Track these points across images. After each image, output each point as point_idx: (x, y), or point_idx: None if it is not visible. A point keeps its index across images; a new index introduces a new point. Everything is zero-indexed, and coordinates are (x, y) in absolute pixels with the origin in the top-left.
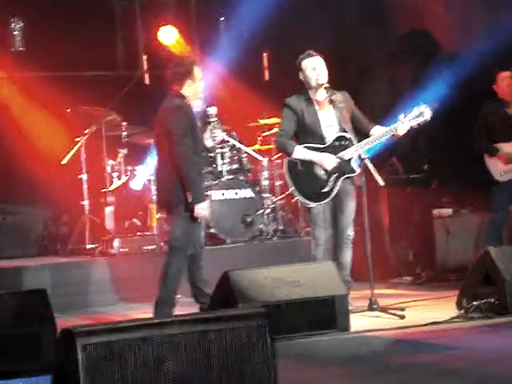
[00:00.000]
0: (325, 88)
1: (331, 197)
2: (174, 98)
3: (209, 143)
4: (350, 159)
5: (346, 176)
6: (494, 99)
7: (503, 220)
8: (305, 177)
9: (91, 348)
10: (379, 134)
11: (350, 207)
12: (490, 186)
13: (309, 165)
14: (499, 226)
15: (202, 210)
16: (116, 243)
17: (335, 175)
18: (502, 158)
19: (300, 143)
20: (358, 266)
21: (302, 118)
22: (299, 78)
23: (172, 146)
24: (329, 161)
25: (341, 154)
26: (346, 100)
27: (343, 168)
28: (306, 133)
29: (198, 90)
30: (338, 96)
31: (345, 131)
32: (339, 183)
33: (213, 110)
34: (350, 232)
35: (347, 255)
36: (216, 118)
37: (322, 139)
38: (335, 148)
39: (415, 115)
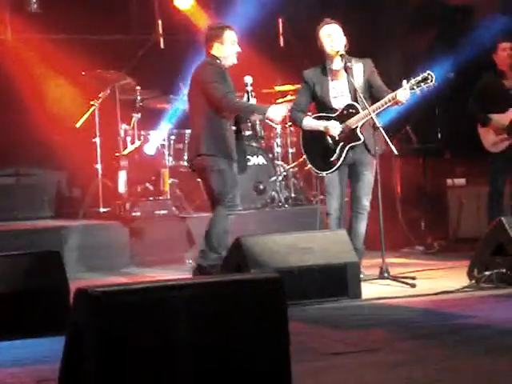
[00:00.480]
0: (340, 55)
1: (338, 165)
2: (206, 58)
3: None
4: (355, 127)
5: (352, 144)
6: (492, 70)
7: (500, 190)
8: (316, 146)
9: (106, 308)
10: (382, 101)
11: (366, 177)
12: (483, 158)
13: (319, 134)
14: (498, 196)
15: (273, 114)
16: (128, 207)
17: (341, 144)
18: (494, 128)
19: (316, 114)
20: (370, 234)
21: (314, 89)
22: (317, 46)
23: (210, 100)
24: (334, 127)
25: (347, 122)
26: (366, 68)
27: (349, 136)
28: (319, 104)
29: (228, 53)
30: (358, 63)
31: (357, 100)
32: (345, 152)
33: (249, 80)
34: (366, 202)
35: (361, 225)
36: (251, 88)
37: (331, 110)
38: (343, 117)
39: (417, 81)
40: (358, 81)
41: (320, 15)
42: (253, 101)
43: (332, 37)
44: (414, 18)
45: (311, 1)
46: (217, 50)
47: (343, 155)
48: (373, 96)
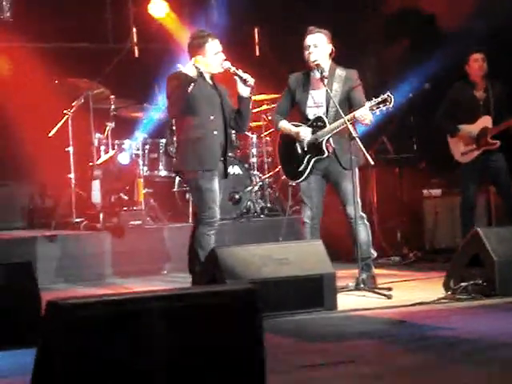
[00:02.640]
0: (316, 65)
1: (304, 177)
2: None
3: None
4: (322, 141)
5: (317, 158)
6: (464, 80)
7: (470, 200)
8: (289, 154)
9: (77, 321)
10: (343, 119)
11: (345, 187)
12: (454, 169)
13: (293, 142)
14: (469, 207)
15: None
16: (102, 217)
17: (308, 156)
18: (463, 138)
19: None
20: (346, 245)
21: (295, 95)
22: (292, 55)
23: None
24: (304, 132)
25: (314, 135)
26: (348, 78)
27: (315, 149)
28: (297, 111)
29: (210, 64)
30: (342, 72)
31: (335, 111)
32: (311, 164)
33: None
34: (350, 211)
35: (358, 233)
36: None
37: (305, 119)
38: (313, 128)
39: (377, 102)
40: (336, 90)
41: (295, 26)
42: None
43: (310, 48)
44: (388, 27)
45: (286, 11)
46: (199, 61)
47: (309, 167)
48: (351, 108)
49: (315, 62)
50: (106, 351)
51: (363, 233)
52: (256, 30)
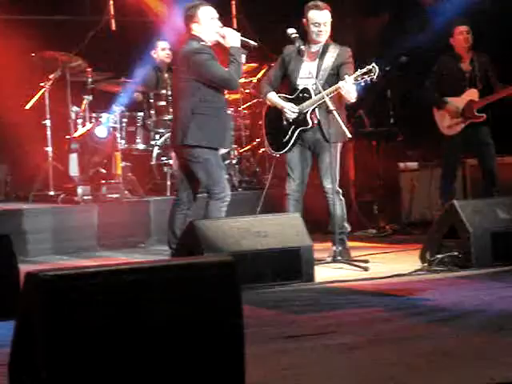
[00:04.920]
0: (316, 41)
1: (287, 148)
2: (190, 41)
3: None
4: (306, 112)
5: (302, 128)
6: (449, 53)
7: (453, 173)
8: (274, 125)
9: (56, 293)
10: (327, 91)
11: (324, 160)
12: (439, 140)
13: (279, 114)
14: (451, 179)
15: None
16: (80, 191)
17: (293, 127)
18: (450, 111)
19: (282, 92)
20: (323, 217)
21: (288, 66)
22: (271, 27)
23: (216, 82)
24: (290, 110)
25: (299, 106)
26: (340, 55)
27: (300, 120)
28: (288, 81)
29: (207, 30)
30: (335, 49)
31: (322, 84)
32: (295, 135)
33: None
34: (327, 184)
35: (332, 207)
36: None
37: (294, 89)
38: (299, 100)
39: (362, 73)
40: (328, 64)
41: None
42: None
43: (321, 27)
44: (365, 1)
45: None
46: (196, 30)
47: (293, 138)
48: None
49: (322, 42)
50: (84, 322)
51: (339, 207)
52: (233, 2)
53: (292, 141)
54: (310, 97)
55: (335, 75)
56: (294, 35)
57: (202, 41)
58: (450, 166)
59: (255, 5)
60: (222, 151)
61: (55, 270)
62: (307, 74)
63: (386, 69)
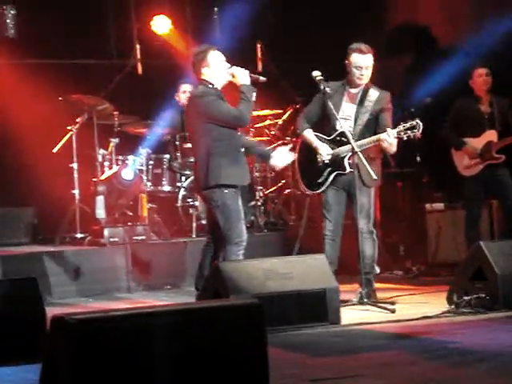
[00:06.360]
0: (358, 84)
1: (322, 189)
2: (199, 86)
3: None
4: (344, 156)
5: (338, 172)
6: (469, 95)
7: (475, 213)
8: (308, 162)
9: (82, 337)
10: (368, 140)
11: (359, 200)
12: (457, 182)
13: (314, 152)
14: (474, 221)
15: (276, 162)
16: (106, 233)
17: (329, 169)
18: (468, 152)
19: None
20: (350, 259)
21: (327, 104)
22: (294, 70)
23: (225, 122)
24: (323, 152)
25: (336, 150)
26: (379, 100)
27: (337, 163)
28: (326, 119)
29: (217, 73)
30: (375, 93)
31: (361, 129)
32: (331, 177)
33: None
34: (362, 225)
35: (364, 247)
36: None
37: (332, 129)
38: (335, 142)
39: (406, 128)
40: (367, 108)
41: (298, 41)
42: None
43: (363, 70)
44: (389, 42)
45: (289, 27)
46: (206, 74)
47: (329, 180)
48: (376, 130)
49: (363, 83)
50: (111, 366)
51: (370, 247)
52: (258, 46)
53: (327, 183)
54: (347, 141)
55: (374, 119)
56: (318, 78)
57: (211, 84)
58: (472, 207)
59: (280, 48)
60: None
61: (81, 314)
62: (346, 116)
63: (411, 110)
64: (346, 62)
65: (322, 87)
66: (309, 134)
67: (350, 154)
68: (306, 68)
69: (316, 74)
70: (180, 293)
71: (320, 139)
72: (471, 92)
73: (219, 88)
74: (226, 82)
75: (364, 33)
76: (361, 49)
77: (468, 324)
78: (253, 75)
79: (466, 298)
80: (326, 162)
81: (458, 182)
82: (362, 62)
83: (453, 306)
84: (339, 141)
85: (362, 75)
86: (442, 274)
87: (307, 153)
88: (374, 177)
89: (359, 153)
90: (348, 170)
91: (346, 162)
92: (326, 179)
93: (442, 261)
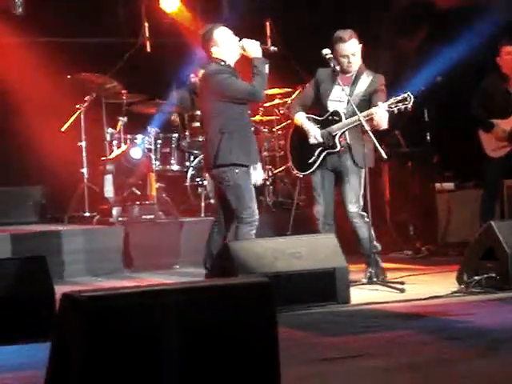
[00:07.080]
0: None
1: (313, 169)
2: (210, 63)
3: None
4: (335, 135)
5: (328, 151)
6: (495, 73)
7: (496, 195)
8: (300, 145)
9: (93, 314)
10: (360, 115)
11: (349, 183)
12: (482, 161)
13: (306, 134)
14: (493, 201)
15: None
16: (114, 212)
17: (320, 149)
18: (497, 134)
19: (311, 113)
20: (354, 239)
21: (320, 88)
22: (304, 48)
23: (240, 98)
24: (313, 134)
25: (328, 129)
26: (373, 82)
27: (328, 143)
28: (318, 104)
29: (228, 50)
30: (369, 76)
31: (352, 109)
32: (321, 157)
33: None
34: (351, 208)
35: (359, 232)
36: None
37: (324, 111)
38: (328, 122)
39: (396, 101)
40: (360, 90)
41: (308, 17)
42: None
43: (350, 58)
44: (401, 19)
45: (299, 4)
46: (216, 52)
47: (319, 160)
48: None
49: (353, 70)
50: (120, 343)
51: (365, 230)
52: (268, 24)
53: (317, 163)
54: (340, 120)
55: (367, 101)
56: (328, 56)
57: (223, 61)
58: (492, 187)
59: (289, 25)
60: (257, 180)
61: (91, 291)
62: (339, 98)
63: (421, 89)
64: (334, 53)
65: (332, 65)
66: (301, 117)
67: (341, 131)
68: (316, 47)
69: (326, 51)
70: (186, 273)
71: (313, 121)
72: (481, 71)
73: (232, 64)
74: (237, 56)
75: (375, 9)
76: (341, 37)
77: (478, 304)
78: (263, 46)
79: (476, 277)
80: (317, 142)
81: (470, 162)
82: (346, 49)
83: (463, 286)
84: (331, 120)
85: (349, 63)
86: (452, 253)
87: (299, 137)
88: (384, 156)
89: (365, 124)
90: (338, 147)
91: (336, 140)
92: (316, 159)
93: (451, 241)
